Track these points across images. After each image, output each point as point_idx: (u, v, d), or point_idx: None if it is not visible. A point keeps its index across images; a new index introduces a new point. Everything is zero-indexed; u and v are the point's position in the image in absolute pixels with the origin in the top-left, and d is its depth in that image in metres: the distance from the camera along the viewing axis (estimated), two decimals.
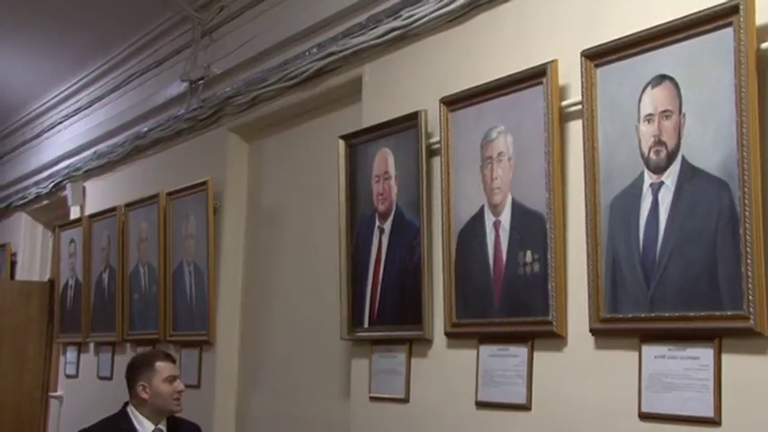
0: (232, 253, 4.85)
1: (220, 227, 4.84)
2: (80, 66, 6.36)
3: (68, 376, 6.49)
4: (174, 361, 3.66)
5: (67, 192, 6.58)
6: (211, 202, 4.81)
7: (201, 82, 5.03)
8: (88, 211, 6.32)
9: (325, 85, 4.15)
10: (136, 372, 3.61)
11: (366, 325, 3.70)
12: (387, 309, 3.61)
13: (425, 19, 3.49)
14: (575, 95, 2.83)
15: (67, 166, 6.79)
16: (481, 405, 3.09)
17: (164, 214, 5.22)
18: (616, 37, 2.68)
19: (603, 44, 2.71)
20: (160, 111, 5.53)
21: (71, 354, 6.45)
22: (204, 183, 4.85)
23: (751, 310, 2.25)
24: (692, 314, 2.41)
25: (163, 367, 3.58)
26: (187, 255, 5.02)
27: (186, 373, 4.96)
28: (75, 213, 6.57)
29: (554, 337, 2.84)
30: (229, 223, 4.86)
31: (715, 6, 2.37)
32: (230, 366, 4.77)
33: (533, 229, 2.94)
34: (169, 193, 5.20)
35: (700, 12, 2.42)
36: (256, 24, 4.64)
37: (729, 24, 2.32)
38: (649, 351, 2.54)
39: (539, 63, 2.94)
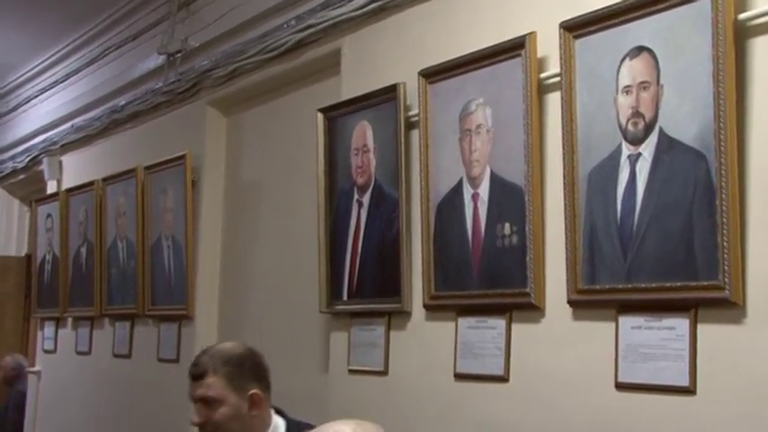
0: (211, 227, 4.83)
1: (199, 201, 4.82)
2: (56, 39, 6.29)
3: (46, 351, 6.46)
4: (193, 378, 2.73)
5: (44, 166, 6.53)
6: (189, 176, 4.79)
7: (179, 55, 4.98)
8: (65, 186, 6.27)
9: (304, 58, 4.12)
10: None
11: (345, 298, 3.70)
12: (365, 282, 3.61)
13: None
14: (553, 67, 2.83)
15: (44, 140, 6.73)
16: (459, 377, 3.11)
17: (141, 188, 5.19)
18: (594, 8, 2.67)
19: (582, 16, 2.70)
20: (137, 84, 5.49)
21: (49, 329, 6.42)
22: (182, 157, 4.82)
23: (726, 280, 2.27)
24: (668, 285, 2.42)
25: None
26: (165, 229, 5.00)
27: (165, 348, 4.97)
28: (51, 188, 6.52)
29: (532, 309, 2.85)
30: (208, 197, 4.84)
31: None
32: (209, 340, 4.73)
33: (511, 202, 2.94)
34: (147, 167, 5.16)
35: None
36: None
37: None
38: (626, 322, 2.55)
39: (517, 35, 2.93)
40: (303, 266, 4.08)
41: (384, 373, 3.44)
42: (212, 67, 4.70)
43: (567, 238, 2.72)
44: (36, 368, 6.62)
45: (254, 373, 2.70)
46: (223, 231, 4.84)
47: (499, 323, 2.98)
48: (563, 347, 2.75)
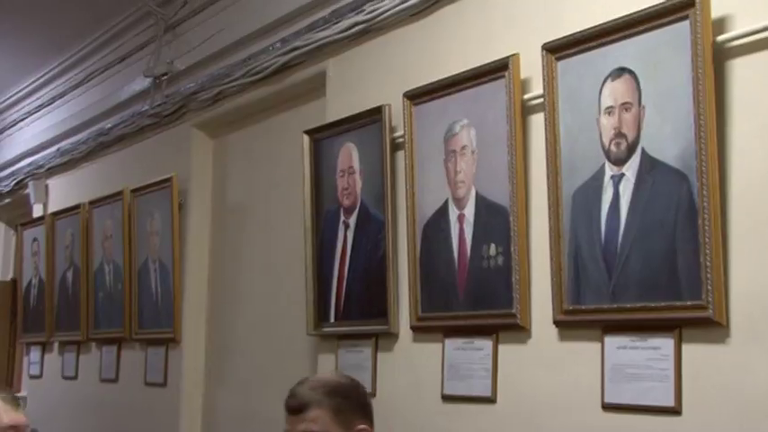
0: (197, 249, 4.83)
1: (185, 223, 4.82)
2: (42, 62, 6.29)
3: (32, 377, 6.43)
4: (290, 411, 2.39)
5: (30, 190, 6.51)
6: (176, 198, 4.79)
7: (165, 78, 4.99)
8: (51, 209, 6.25)
9: (290, 80, 4.14)
10: None
11: (332, 320, 3.70)
12: (352, 304, 3.61)
13: (388, 13, 3.49)
14: (536, 89, 2.85)
15: (30, 164, 6.71)
16: (447, 398, 3.10)
17: (128, 211, 5.18)
18: (576, 30, 2.69)
19: (564, 37, 2.72)
20: (123, 107, 5.49)
21: (35, 354, 6.39)
22: (169, 179, 4.82)
23: (709, 299, 2.28)
24: (652, 305, 2.43)
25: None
26: (152, 252, 4.99)
27: (152, 372, 4.95)
28: (37, 211, 6.50)
29: (518, 330, 2.85)
30: (194, 220, 4.83)
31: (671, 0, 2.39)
32: (196, 363, 4.75)
33: (497, 222, 2.95)
34: (133, 190, 5.16)
35: (657, 5, 2.43)
36: (220, 19, 4.62)
37: (686, 17, 2.34)
38: (612, 342, 2.56)
39: (500, 57, 2.95)
40: (290, 289, 4.07)
41: (372, 394, 3.43)
42: (198, 89, 4.71)
43: (551, 258, 2.72)
44: (22, 393, 6.57)
45: (360, 405, 2.39)
46: (210, 254, 4.84)
47: (486, 344, 2.98)
48: (549, 368, 2.76)
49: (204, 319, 4.79)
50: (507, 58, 2.91)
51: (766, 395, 2.18)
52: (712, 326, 2.28)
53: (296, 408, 2.34)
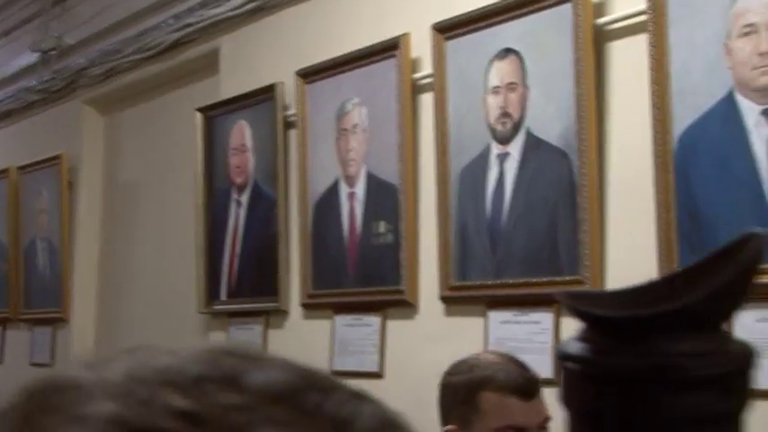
0: (87, 228, 4.73)
1: (75, 202, 4.72)
2: None
3: None
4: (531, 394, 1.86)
5: None
6: (65, 176, 4.68)
7: (54, 52, 4.86)
8: None
9: (183, 57, 4.09)
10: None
11: (223, 298, 3.69)
12: (244, 281, 3.60)
13: None
14: (426, 68, 2.89)
15: None
16: (336, 374, 3.08)
17: (14, 189, 5.05)
18: (466, 11, 2.74)
19: (453, 18, 2.76)
20: (10, 82, 5.33)
21: None
22: (57, 157, 4.71)
23: (587, 275, 2.36)
24: (534, 280, 2.50)
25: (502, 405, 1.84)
26: (40, 231, 4.88)
27: (38, 352, 4.84)
28: None
29: (406, 306, 2.90)
30: (85, 198, 4.74)
31: None
32: (85, 343, 4.66)
33: (387, 200, 2.98)
34: (20, 168, 5.02)
35: None
36: None
37: (568, 0, 2.41)
38: (496, 317, 2.63)
39: (392, 36, 2.98)
40: (182, 267, 4.03)
41: None
42: (88, 65, 4.61)
43: (439, 235, 2.77)
44: None
45: None
46: (101, 232, 4.75)
47: (374, 320, 3.02)
48: (436, 343, 2.81)
49: (94, 297, 4.71)
50: (398, 37, 2.94)
51: None
52: None
53: (533, 392, 1.88)
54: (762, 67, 2.03)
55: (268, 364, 0.44)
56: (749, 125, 2.06)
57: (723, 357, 0.75)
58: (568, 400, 0.77)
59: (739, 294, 0.77)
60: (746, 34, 2.06)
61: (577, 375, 0.76)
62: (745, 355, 0.76)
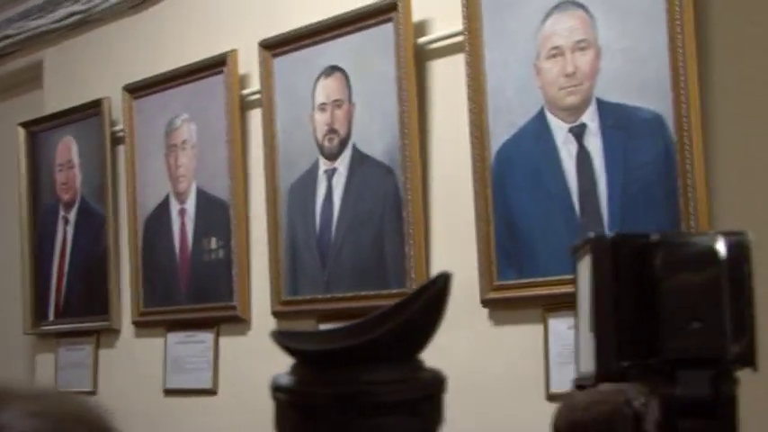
0: None
1: None
2: None
3: None
4: None
5: None
6: None
7: None
8: None
9: (3, 70, 3.95)
10: None
11: (51, 318, 3.59)
12: (73, 300, 3.51)
13: (107, 4, 3.42)
14: (254, 84, 2.90)
15: None
16: (169, 392, 3.10)
17: None
18: (293, 28, 2.77)
19: (280, 35, 2.79)
20: None
21: None
22: None
23: (414, 287, 2.42)
24: (363, 293, 2.55)
25: None
26: None
27: None
28: None
29: (238, 322, 2.90)
30: None
31: (376, 2, 2.51)
32: None
33: (217, 216, 2.98)
34: None
35: (364, 6, 2.55)
36: None
37: (390, 20, 2.47)
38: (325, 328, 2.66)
39: (220, 52, 2.97)
40: (7, 287, 3.89)
41: (92, 392, 3.36)
42: None
43: (270, 251, 2.79)
44: None
45: None
46: None
47: (207, 337, 3.00)
48: (268, 358, 2.79)
49: None
50: (226, 53, 2.94)
51: None
52: None
53: None
54: (567, 87, 2.15)
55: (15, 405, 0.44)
56: (558, 142, 2.17)
57: (412, 384, 0.83)
58: (280, 428, 0.86)
59: (427, 327, 0.85)
60: (553, 56, 2.17)
61: (285, 405, 0.82)
62: (435, 382, 0.83)
